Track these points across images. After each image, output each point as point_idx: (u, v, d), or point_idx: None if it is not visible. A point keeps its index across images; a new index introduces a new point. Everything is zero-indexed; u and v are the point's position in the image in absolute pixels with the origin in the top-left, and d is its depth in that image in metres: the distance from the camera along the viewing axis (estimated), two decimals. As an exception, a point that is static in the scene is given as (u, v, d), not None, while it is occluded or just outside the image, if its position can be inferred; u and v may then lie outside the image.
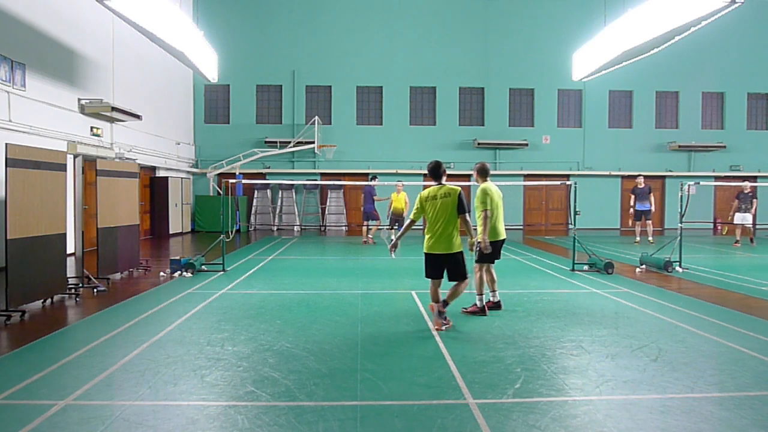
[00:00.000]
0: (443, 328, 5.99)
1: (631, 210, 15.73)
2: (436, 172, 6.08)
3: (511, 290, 8.39)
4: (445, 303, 6.05)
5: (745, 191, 15.19)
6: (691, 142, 22.57)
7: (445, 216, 5.91)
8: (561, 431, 3.50)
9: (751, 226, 15.54)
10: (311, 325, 6.16)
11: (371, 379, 4.41)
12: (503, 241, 6.95)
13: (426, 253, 6.09)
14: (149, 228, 18.11)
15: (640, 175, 16.37)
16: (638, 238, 16.28)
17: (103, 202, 8.97)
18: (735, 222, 15.28)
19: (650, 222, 15.77)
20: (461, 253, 6.04)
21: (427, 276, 6.13)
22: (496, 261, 6.96)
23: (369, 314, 6.81)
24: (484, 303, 6.75)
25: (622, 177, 23.00)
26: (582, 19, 21.23)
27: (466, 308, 6.84)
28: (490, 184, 6.77)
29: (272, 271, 10.43)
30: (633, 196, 15.72)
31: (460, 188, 6.01)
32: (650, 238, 15.86)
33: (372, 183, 15.60)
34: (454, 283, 6.09)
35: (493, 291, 6.97)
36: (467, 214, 5.99)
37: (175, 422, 3.61)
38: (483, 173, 6.90)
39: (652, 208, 15.57)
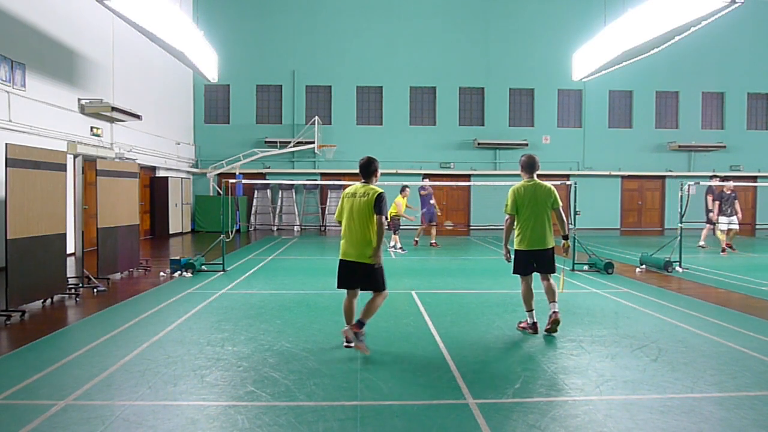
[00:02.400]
0: (353, 346, 5.11)
1: (713, 215, 14.20)
2: (365, 169, 5.30)
3: (511, 290, 8.38)
4: (360, 323, 5.12)
5: (728, 191, 13.75)
6: (691, 142, 22.58)
7: (361, 218, 5.10)
8: (561, 431, 3.50)
9: (737, 228, 13.89)
10: (311, 325, 6.16)
11: (371, 379, 4.41)
12: (539, 252, 5.85)
13: (340, 260, 5.28)
14: (149, 228, 18.12)
15: (715, 176, 15.19)
16: (702, 242, 14.75)
17: (103, 202, 8.96)
18: (721, 228, 13.73)
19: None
20: (375, 266, 5.12)
21: (339, 286, 5.31)
22: (550, 275, 5.98)
23: (369, 314, 6.80)
24: (531, 321, 5.88)
25: (622, 177, 23.02)
26: (582, 19, 21.23)
27: (520, 322, 6.07)
28: (525, 184, 5.94)
29: (272, 271, 10.43)
30: (710, 197, 14.25)
31: (382, 190, 5.17)
32: (702, 242, 14.71)
33: (426, 183, 14.87)
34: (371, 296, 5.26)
35: (529, 310, 5.91)
36: (383, 217, 5.08)
37: (175, 422, 3.61)
38: (524, 168, 6.04)
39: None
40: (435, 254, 13.45)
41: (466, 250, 14.66)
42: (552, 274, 5.95)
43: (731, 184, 13.97)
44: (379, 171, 5.42)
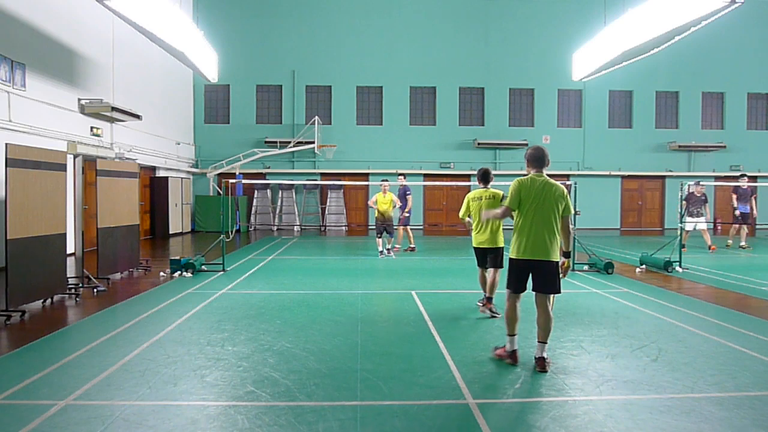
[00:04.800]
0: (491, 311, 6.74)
1: (737, 212, 14.46)
2: (485, 177, 6.87)
3: (511, 290, 8.40)
4: (489, 298, 6.79)
5: (697, 194, 13.76)
6: (691, 142, 22.57)
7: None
8: (561, 431, 3.50)
9: (704, 231, 14.05)
10: (311, 325, 6.16)
11: (371, 379, 4.41)
12: (540, 264, 4.75)
13: (474, 247, 6.94)
14: (149, 228, 18.11)
15: (744, 175, 15.10)
16: (731, 241, 15.05)
17: (103, 202, 8.97)
18: (687, 228, 13.42)
19: (746, 226, 14.81)
20: (501, 248, 6.72)
21: (478, 265, 7.05)
22: (551, 297, 4.84)
23: (369, 314, 6.81)
24: (510, 348, 4.88)
25: (622, 177, 23.02)
26: (582, 19, 21.23)
27: (496, 348, 5.13)
28: (534, 178, 4.89)
29: (272, 271, 10.43)
30: (735, 196, 14.54)
31: (502, 192, 6.69)
32: (742, 242, 14.72)
33: (400, 180, 13.63)
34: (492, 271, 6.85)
35: (512, 334, 4.87)
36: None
37: (175, 422, 3.61)
38: (532, 162, 4.98)
39: (754, 212, 14.46)
40: (435, 254, 13.44)
41: (466, 251, 14.65)
42: (553, 296, 4.83)
43: (702, 187, 13.83)
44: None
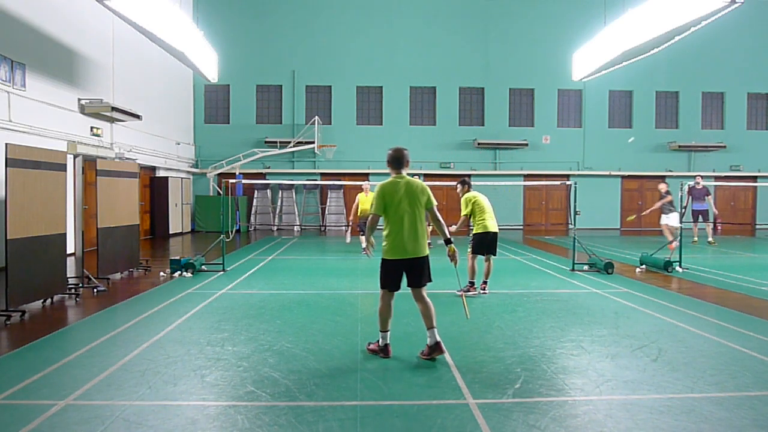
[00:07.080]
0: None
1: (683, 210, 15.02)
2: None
3: (511, 290, 8.41)
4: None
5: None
6: (691, 142, 22.58)
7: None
8: (561, 431, 3.50)
9: (665, 226, 13.89)
10: (311, 325, 6.16)
11: (371, 379, 4.41)
12: (414, 261, 5.02)
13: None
14: (149, 228, 18.11)
15: (698, 176, 15.82)
16: (696, 238, 16.01)
17: (103, 202, 8.97)
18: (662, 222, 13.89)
19: (709, 223, 15.73)
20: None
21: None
22: (424, 291, 5.13)
23: (369, 314, 6.81)
24: (383, 342, 5.06)
25: (622, 177, 23.02)
26: (582, 19, 21.23)
27: (369, 343, 5.27)
28: (394, 180, 5.04)
29: (272, 271, 10.43)
30: (689, 197, 14.94)
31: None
32: (710, 239, 15.78)
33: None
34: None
35: (385, 330, 5.08)
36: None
37: (175, 422, 3.61)
38: (391, 163, 5.12)
39: (712, 210, 14.97)
40: (435, 254, 13.40)
41: (465, 251, 14.64)
42: (426, 288, 5.08)
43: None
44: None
